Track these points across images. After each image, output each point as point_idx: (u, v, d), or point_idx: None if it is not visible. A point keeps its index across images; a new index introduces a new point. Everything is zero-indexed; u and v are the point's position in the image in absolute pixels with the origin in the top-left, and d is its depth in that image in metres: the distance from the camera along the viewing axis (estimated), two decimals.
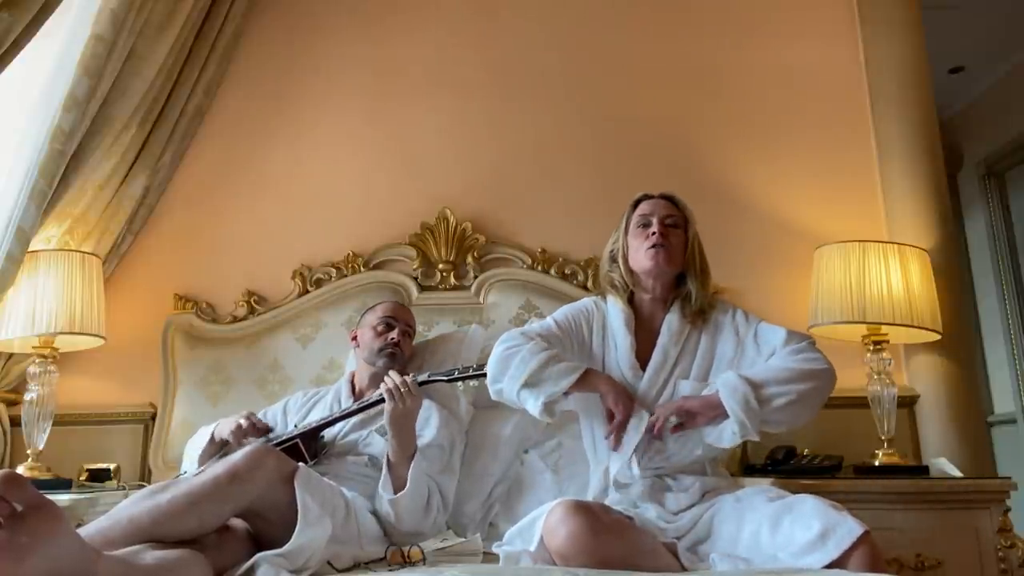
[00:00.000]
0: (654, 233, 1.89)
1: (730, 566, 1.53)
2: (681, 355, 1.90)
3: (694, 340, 1.91)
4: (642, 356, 1.90)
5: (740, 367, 1.85)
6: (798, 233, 2.70)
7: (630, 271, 1.95)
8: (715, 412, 1.75)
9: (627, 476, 1.79)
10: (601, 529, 1.48)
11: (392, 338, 2.19)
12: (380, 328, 2.21)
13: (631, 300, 1.97)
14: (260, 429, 2.06)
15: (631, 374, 1.88)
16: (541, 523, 1.54)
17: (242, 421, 2.05)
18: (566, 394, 1.79)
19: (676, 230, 1.92)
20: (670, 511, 1.77)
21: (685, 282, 1.94)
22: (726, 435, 1.75)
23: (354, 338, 2.28)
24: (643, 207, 1.96)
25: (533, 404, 1.78)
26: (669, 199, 1.97)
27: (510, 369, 1.81)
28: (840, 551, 1.45)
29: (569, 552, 1.47)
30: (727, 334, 1.91)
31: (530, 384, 1.77)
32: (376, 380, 2.16)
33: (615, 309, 1.96)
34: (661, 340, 1.90)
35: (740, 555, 1.60)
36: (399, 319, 2.24)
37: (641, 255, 1.91)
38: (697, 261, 1.94)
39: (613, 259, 1.99)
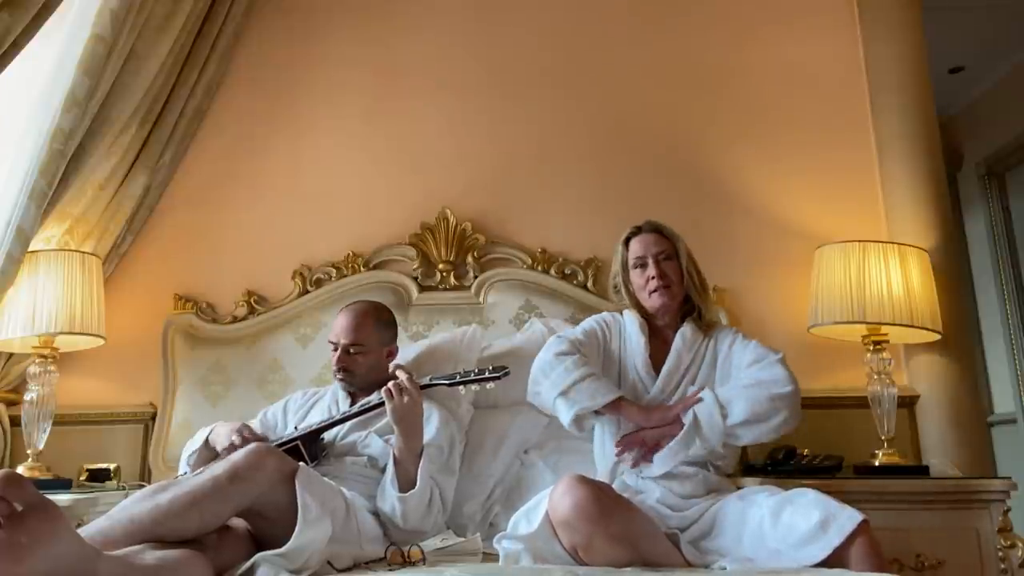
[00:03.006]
0: (653, 278, 2.00)
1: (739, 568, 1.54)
2: (692, 362, 2.01)
3: (703, 350, 2.03)
4: (655, 362, 2.00)
5: (727, 376, 1.97)
6: (798, 233, 2.69)
7: (638, 304, 2.07)
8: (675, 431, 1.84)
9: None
10: (605, 499, 1.55)
11: (334, 365, 2.14)
12: (331, 350, 2.17)
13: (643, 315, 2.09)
14: (253, 443, 2.01)
15: (645, 374, 2.00)
16: (545, 503, 1.56)
17: (235, 439, 1.98)
18: (598, 413, 1.89)
19: (670, 262, 2.03)
20: (675, 494, 1.82)
21: (689, 300, 2.06)
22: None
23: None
24: (635, 247, 2.06)
25: (565, 414, 1.88)
26: (657, 231, 2.07)
27: (552, 376, 1.92)
28: (841, 538, 1.49)
29: (574, 522, 1.51)
30: (727, 351, 2.03)
31: (567, 394, 1.88)
32: (364, 390, 2.15)
33: (630, 317, 2.08)
34: (675, 346, 2.01)
35: (744, 554, 1.61)
36: (338, 340, 2.14)
37: (645, 296, 2.03)
38: (696, 280, 2.06)
39: (617, 289, 2.12)
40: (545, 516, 1.57)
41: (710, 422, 1.81)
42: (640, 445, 1.87)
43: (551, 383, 1.91)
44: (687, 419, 1.83)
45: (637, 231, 2.08)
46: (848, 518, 1.51)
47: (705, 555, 1.65)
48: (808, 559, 1.50)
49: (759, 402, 1.82)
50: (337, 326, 2.16)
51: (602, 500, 1.54)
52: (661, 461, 1.83)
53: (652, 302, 2.02)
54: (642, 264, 2.03)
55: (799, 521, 1.55)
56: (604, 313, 2.18)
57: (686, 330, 2.02)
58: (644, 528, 1.59)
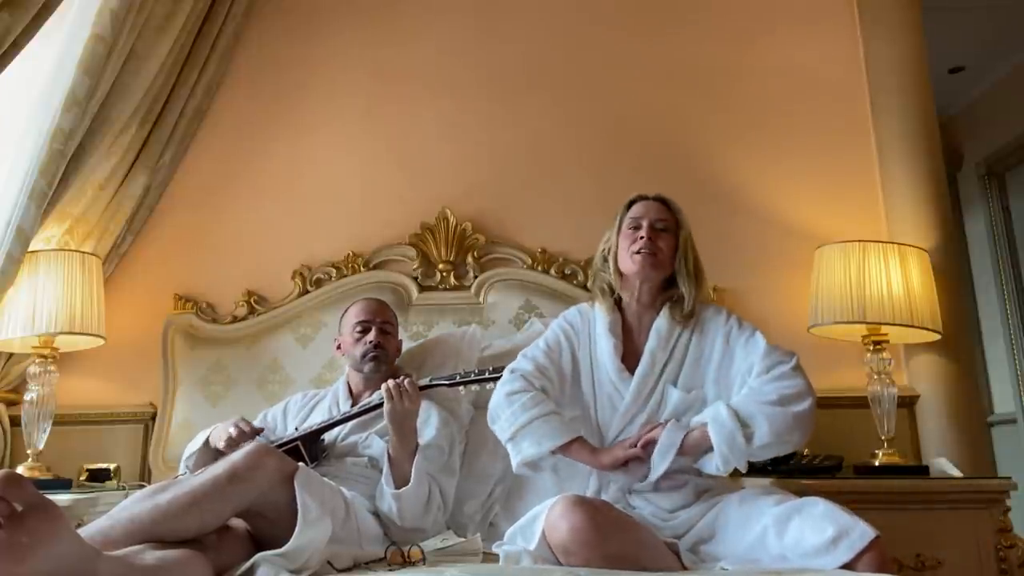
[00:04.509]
0: (642, 237, 1.88)
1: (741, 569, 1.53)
2: (669, 360, 1.88)
3: (683, 344, 1.89)
4: (629, 361, 1.89)
5: (727, 375, 1.84)
6: (798, 233, 2.70)
7: (619, 272, 1.94)
8: (704, 447, 1.73)
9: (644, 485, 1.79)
10: (603, 523, 1.50)
11: (370, 341, 2.16)
12: (357, 334, 2.19)
13: (619, 305, 1.97)
14: (249, 434, 2.01)
15: (617, 378, 1.87)
16: (542, 521, 1.54)
17: (232, 431, 2.00)
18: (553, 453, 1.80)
19: (666, 234, 1.91)
20: (664, 509, 1.77)
21: (675, 285, 1.93)
22: (710, 466, 1.73)
23: (339, 347, 2.27)
24: (635, 209, 1.95)
25: (513, 459, 1.83)
26: (662, 202, 1.96)
27: (501, 420, 1.85)
28: (852, 554, 1.45)
29: (571, 546, 1.48)
30: (715, 338, 1.88)
31: (513, 439, 1.81)
32: (370, 383, 2.16)
33: (600, 315, 1.95)
34: (649, 345, 1.88)
35: (745, 557, 1.60)
36: (373, 319, 2.20)
37: (628, 258, 1.91)
38: (689, 264, 1.91)
39: (604, 258, 1.99)
40: (542, 536, 1.54)
41: (732, 444, 1.67)
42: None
43: (500, 428, 1.85)
44: (664, 435, 1.72)
45: (643, 197, 1.97)
46: (860, 535, 1.46)
47: (704, 560, 1.64)
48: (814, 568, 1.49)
49: (784, 422, 1.68)
50: (365, 309, 2.23)
51: (599, 522, 1.49)
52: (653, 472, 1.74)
53: (631, 264, 1.88)
54: (636, 227, 1.91)
55: (808, 535, 1.50)
56: (573, 311, 2.03)
57: (661, 325, 1.89)
58: (645, 543, 1.55)
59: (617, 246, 1.95)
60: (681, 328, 1.90)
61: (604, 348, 1.90)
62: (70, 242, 2.58)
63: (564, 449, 1.79)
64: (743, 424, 1.69)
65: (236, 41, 2.91)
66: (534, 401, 1.82)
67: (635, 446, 1.75)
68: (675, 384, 1.86)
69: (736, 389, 1.82)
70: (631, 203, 1.98)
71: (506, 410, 1.84)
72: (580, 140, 2.85)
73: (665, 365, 1.87)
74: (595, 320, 1.97)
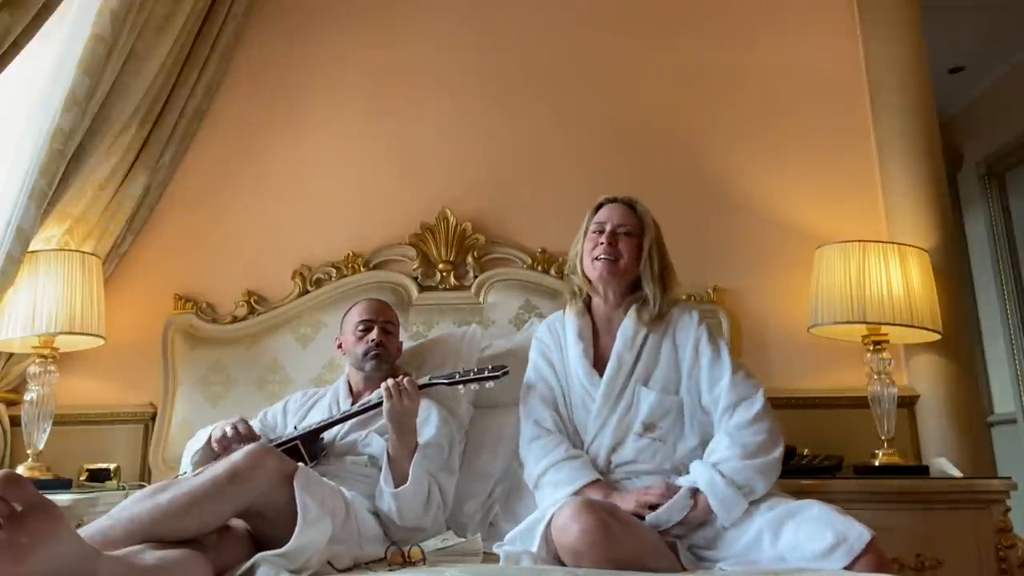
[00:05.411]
0: (601, 243, 1.91)
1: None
2: (638, 360, 1.89)
3: (653, 345, 1.91)
4: (600, 364, 1.91)
5: (696, 385, 1.85)
6: (798, 233, 2.69)
7: (586, 276, 1.97)
8: (708, 511, 1.71)
9: None
10: (613, 526, 1.51)
11: (372, 339, 2.16)
12: (359, 333, 2.19)
13: (589, 307, 2.00)
14: (245, 438, 1.98)
15: (588, 381, 1.90)
16: (542, 526, 1.55)
17: (228, 429, 1.98)
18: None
19: (629, 238, 1.93)
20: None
21: (640, 288, 1.95)
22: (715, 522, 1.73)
23: (339, 346, 2.27)
24: (601, 213, 1.98)
25: (540, 504, 1.84)
26: (629, 205, 1.98)
27: (527, 468, 1.90)
28: (851, 558, 1.46)
29: (581, 548, 1.49)
30: (686, 343, 1.89)
31: (538, 487, 1.86)
32: (370, 382, 2.16)
33: (570, 320, 1.99)
34: (616, 346, 1.91)
35: (742, 559, 1.60)
36: (376, 318, 2.21)
37: (590, 263, 1.94)
38: (654, 267, 1.92)
39: (575, 262, 2.02)
40: (542, 541, 1.55)
41: (733, 507, 1.67)
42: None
43: (527, 475, 1.91)
44: (675, 500, 1.69)
45: (611, 200, 2.00)
46: (857, 538, 1.47)
47: (700, 561, 1.65)
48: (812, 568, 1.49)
49: (772, 468, 1.73)
50: (368, 308, 2.23)
51: (610, 525, 1.50)
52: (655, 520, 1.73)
53: (592, 270, 1.92)
54: (599, 231, 1.94)
55: (805, 541, 1.51)
56: (541, 328, 2.07)
57: (627, 326, 1.91)
58: (650, 545, 1.57)
59: (583, 251, 1.97)
60: (648, 329, 1.91)
61: (574, 354, 1.94)
62: (70, 242, 2.58)
63: (580, 493, 1.78)
64: (740, 487, 1.69)
65: (236, 41, 2.91)
66: (546, 449, 1.86)
67: (649, 505, 1.72)
68: (646, 384, 1.87)
69: (702, 402, 1.84)
70: (599, 206, 2.00)
71: (527, 459, 1.90)
72: (580, 140, 2.85)
73: (634, 366, 1.89)
74: (565, 328, 2.00)
